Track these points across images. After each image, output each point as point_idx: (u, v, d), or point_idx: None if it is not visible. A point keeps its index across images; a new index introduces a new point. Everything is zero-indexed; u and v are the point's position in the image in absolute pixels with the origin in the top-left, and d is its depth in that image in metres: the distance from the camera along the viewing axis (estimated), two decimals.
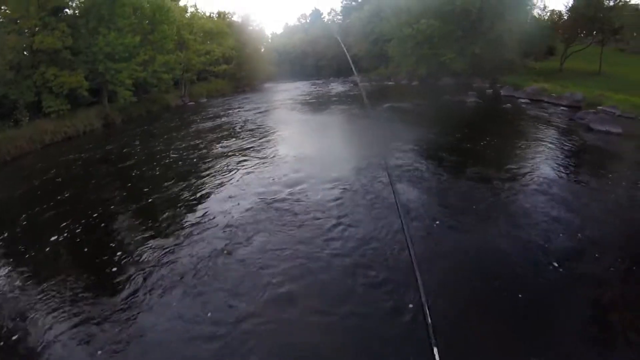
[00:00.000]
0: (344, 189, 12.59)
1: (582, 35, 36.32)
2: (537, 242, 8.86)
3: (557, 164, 14.07)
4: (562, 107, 22.89)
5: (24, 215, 13.21)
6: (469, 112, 25.39)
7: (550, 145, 16.31)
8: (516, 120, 21.52)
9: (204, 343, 6.68)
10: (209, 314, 7.35)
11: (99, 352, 6.74)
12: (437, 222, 10.09)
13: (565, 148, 16.04)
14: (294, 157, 16.60)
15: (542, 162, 14.30)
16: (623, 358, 5.82)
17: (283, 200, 12.16)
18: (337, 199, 11.89)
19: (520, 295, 7.14)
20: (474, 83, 33.68)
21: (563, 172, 13.22)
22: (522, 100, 25.73)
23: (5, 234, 12.17)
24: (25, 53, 27.50)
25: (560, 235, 9.15)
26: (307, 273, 8.32)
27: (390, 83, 42.67)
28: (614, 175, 12.81)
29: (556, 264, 8.01)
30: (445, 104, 27.78)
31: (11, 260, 10.65)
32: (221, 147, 20.13)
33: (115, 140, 24.52)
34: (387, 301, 7.19)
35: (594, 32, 35.55)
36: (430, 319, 3.20)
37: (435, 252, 8.69)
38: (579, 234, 9.15)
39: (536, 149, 15.94)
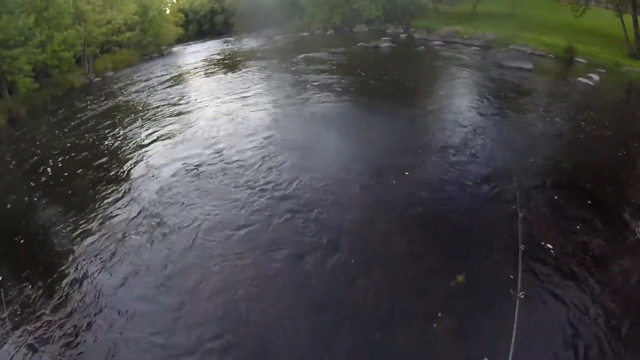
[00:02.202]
0: (263, 141, 12.37)
1: None
2: (457, 169, 9.38)
3: (471, 98, 14.28)
4: (474, 48, 22.55)
5: None
6: (383, 55, 24.81)
7: (464, 81, 16.31)
8: (430, 61, 21.13)
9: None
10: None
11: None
12: (359, 160, 10.26)
13: (479, 83, 16.01)
14: (209, 121, 15.86)
15: (458, 97, 14.45)
16: (533, 258, 6.36)
17: (205, 163, 11.79)
18: (257, 151, 11.76)
19: (445, 216, 7.71)
20: (387, 29, 32.83)
21: (477, 105, 13.41)
22: (436, 43, 25.04)
23: None
24: None
25: (478, 161, 9.71)
26: (234, 226, 8.35)
27: (305, 34, 40.75)
28: (525, 106, 13.25)
29: (474, 186, 8.61)
30: (360, 50, 26.75)
31: None
32: (134, 122, 18.62)
33: (23, 136, 21.58)
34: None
35: None
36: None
37: (362, 188, 9.00)
38: (495, 160, 9.75)
39: (451, 86, 15.95)
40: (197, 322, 6.22)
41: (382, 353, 5.19)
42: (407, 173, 9.38)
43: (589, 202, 7.85)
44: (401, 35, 29.56)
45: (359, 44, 28.32)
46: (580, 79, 15.84)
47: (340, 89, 17.26)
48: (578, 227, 7.12)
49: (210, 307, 6.46)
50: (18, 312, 7.33)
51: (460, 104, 13.45)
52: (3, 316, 7.16)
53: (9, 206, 12.12)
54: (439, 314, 5.61)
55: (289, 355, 5.46)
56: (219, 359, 5.57)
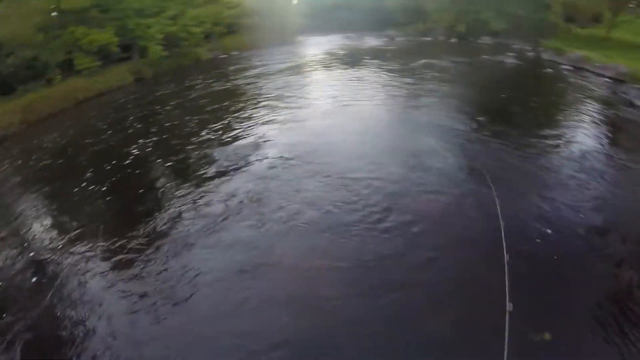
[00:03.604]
0: (374, 148, 13.13)
1: (632, 5, 34.58)
2: (567, 212, 9.07)
3: (593, 136, 14.08)
4: (605, 79, 22.10)
5: (63, 165, 15.24)
6: (508, 72, 25.12)
7: (589, 116, 16.19)
8: (556, 86, 21.26)
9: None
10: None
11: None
12: (469, 181, 10.67)
13: (604, 121, 15.83)
14: (323, 116, 17.30)
15: (580, 132, 14.38)
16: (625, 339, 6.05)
17: (312, 157, 12.77)
18: (366, 154, 12.60)
19: (542, 262, 7.43)
20: (514, 44, 32.62)
21: (599, 145, 13.20)
22: (564, 67, 24.90)
23: (45, 183, 13.64)
24: (52, 14, 27.74)
25: (590, 208, 9.34)
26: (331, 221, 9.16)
27: (427, 39, 41.28)
28: None
29: (582, 235, 8.29)
30: (483, 63, 27.40)
31: (51, 204, 12.25)
32: (248, 102, 20.78)
33: (147, 93, 25.43)
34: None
35: None
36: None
37: (462, 210, 9.28)
38: (609, 210, 9.27)
39: (575, 118, 15.97)
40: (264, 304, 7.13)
41: None
42: (509, 203, 9.27)
43: None
44: (528, 53, 29.55)
45: (482, 57, 28.88)
46: None
47: (460, 103, 17.98)
48: None
49: (281, 295, 7.33)
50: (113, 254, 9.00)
51: (579, 140, 13.47)
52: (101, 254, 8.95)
53: (122, 157, 14.48)
54: None
55: None
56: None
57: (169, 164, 13.89)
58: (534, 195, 9.91)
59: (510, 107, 17.39)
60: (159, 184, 12.51)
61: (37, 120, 22.15)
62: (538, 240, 8.20)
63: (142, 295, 7.69)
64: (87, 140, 17.51)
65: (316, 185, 10.91)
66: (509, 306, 4.86)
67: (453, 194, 10.15)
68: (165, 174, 13.29)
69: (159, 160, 14.33)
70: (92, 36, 27.21)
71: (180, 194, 11.36)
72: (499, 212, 8.60)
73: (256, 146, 14.23)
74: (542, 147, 12.94)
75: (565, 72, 23.79)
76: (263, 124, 16.78)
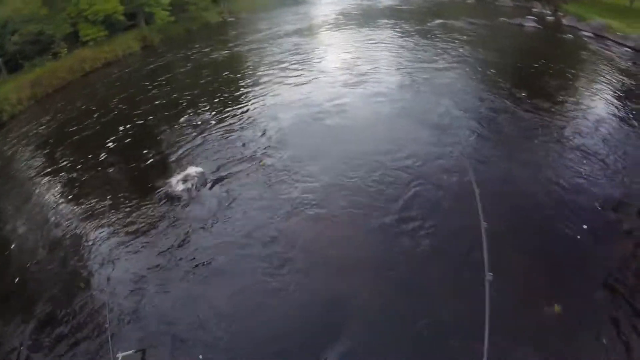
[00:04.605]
0: (386, 105, 13.65)
1: None
2: (583, 183, 8.95)
3: (613, 106, 13.96)
4: (626, 48, 21.42)
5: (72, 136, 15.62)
6: (527, 37, 24.64)
7: (609, 86, 15.96)
8: (577, 54, 20.77)
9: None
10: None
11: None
12: (486, 148, 10.79)
13: (625, 92, 15.49)
14: (333, 79, 17.52)
15: (598, 102, 14.30)
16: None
17: (322, 120, 13.33)
18: (377, 114, 13.09)
19: (554, 237, 7.37)
20: (533, 7, 31.65)
21: (618, 116, 13.13)
22: (585, 34, 24.19)
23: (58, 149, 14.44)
24: None
25: (607, 180, 9.17)
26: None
27: None
28: None
29: (599, 209, 8.15)
30: (502, 26, 26.91)
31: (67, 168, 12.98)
32: (257, 66, 21.16)
33: (153, 60, 25.81)
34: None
35: None
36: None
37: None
38: (627, 182, 9.11)
39: (594, 88, 15.74)
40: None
41: None
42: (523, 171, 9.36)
43: None
44: (547, 18, 28.74)
45: (501, 19, 28.34)
46: None
47: (474, 67, 17.98)
48: None
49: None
50: None
51: (597, 110, 13.39)
52: None
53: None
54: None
55: None
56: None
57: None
58: (551, 162, 9.95)
59: (528, 71, 17.26)
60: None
61: (45, 95, 22.10)
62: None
63: None
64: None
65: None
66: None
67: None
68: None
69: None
70: (97, 6, 27.28)
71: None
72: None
73: (266, 109, 14.67)
74: (560, 115, 12.92)
75: (586, 40, 23.15)
76: (260, 99, 16.40)
